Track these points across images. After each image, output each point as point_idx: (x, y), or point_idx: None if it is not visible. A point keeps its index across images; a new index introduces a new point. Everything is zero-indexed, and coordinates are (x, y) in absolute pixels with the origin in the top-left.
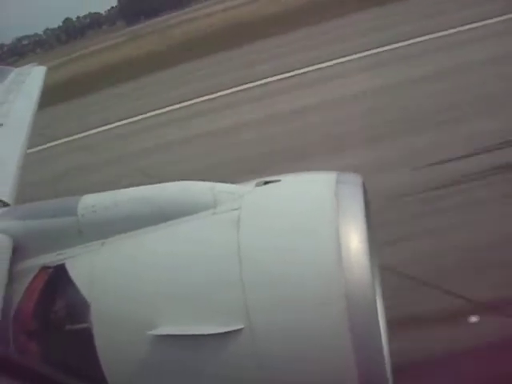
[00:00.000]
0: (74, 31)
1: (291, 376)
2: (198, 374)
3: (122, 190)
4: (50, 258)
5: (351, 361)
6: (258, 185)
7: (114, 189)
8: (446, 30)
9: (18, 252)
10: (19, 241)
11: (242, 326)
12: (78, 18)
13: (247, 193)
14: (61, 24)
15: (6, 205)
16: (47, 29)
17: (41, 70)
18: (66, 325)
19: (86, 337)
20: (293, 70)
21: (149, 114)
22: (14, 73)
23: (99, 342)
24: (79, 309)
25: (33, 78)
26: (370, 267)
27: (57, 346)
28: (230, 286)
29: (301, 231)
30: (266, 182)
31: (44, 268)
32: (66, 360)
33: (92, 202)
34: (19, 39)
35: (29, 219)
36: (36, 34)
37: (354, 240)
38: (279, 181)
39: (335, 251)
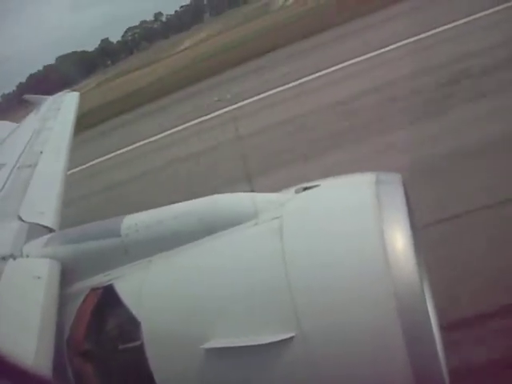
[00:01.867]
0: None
1: (347, 380)
2: None
3: (164, 208)
4: (99, 280)
5: (405, 362)
6: (297, 191)
7: None
8: None
9: (67, 276)
10: (67, 265)
11: (294, 334)
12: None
13: (287, 200)
14: (15, 89)
15: (51, 230)
16: (3, 94)
17: (74, 96)
18: (118, 344)
19: (140, 355)
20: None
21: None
22: (49, 101)
23: (152, 359)
24: (130, 327)
25: (67, 104)
26: (416, 264)
27: (111, 365)
28: (278, 294)
29: (344, 234)
30: (305, 188)
31: (93, 290)
32: (121, 378)
33: (135, 222)
34: None
35: (75, 243)
36: None
37: (399, 238)
38: (318, 186)
39: (381, 251)
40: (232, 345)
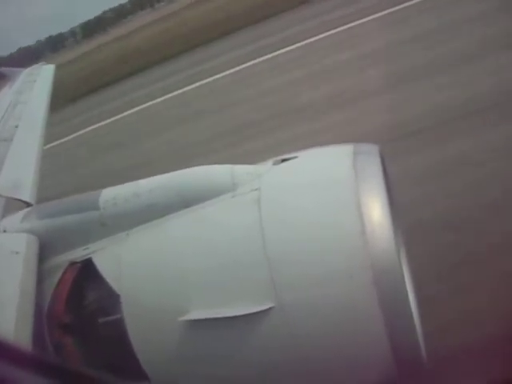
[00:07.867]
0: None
1: (325, 351)
2: (232, 356)
3: (141, 181)
4: (77, 254)
5: (382, 332)
6: (275, 163)
7: None
8: None
9: (45, 250)
10: (45, 239)
11: (272, 305)
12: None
13: (265, 172)
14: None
15: (28, 205)
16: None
17: (49, 69)
18: (98, 317)
19: (119, 328)
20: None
21: None
22: (24, 74)
23: (132, 331)
24: (110, 301)
25: (43, 76)
26: (393, 236)
27: (91, 338)
28: (256, 266)
29: (322, 205)
30: (283, 160)
31: (72, 264)
32: (101, 352)
33: (113, 195)
34: None
35: (53, 217)
36: None
37: (376, 209)
38: (296, 157)
39: (357, 222)
40: (211, 316)
